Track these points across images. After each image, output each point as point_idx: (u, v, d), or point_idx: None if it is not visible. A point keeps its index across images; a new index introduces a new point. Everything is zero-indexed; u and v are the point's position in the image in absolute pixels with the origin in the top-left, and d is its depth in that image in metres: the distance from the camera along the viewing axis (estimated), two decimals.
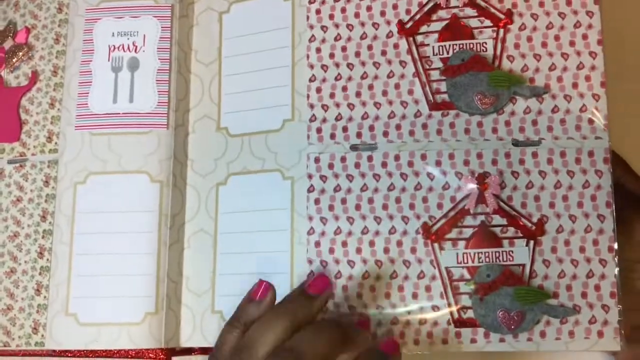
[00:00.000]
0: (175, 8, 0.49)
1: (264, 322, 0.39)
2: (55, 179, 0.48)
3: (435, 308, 0.43)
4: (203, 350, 0.48)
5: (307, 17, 0.48)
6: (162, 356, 0.47)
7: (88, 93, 0.48)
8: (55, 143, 0.48)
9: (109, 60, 0.49)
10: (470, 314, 0.43)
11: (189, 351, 0.48)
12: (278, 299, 0.42)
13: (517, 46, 0.45)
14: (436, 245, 0.44)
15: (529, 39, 0.45)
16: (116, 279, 0.45)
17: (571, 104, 0.44)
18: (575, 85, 0.44)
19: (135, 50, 0.49)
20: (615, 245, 0.42)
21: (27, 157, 0.49)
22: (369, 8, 0.47)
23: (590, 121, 0.44)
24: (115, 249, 0.46)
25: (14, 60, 0.50)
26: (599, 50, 0.44)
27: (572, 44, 0.45)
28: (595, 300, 0.42)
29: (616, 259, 0.42)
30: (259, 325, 0.39)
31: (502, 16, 0.45)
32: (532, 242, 0.43)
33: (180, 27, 0.50)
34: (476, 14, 0.46)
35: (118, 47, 0.49)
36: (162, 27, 0.49)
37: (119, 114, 0.48)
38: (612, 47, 0.45)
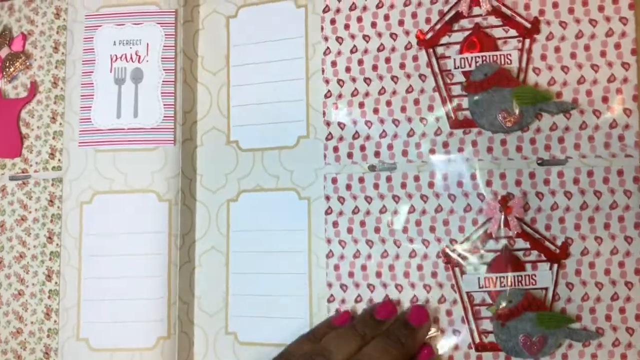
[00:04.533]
0: (179, 13, 0.46)
1: (340, 335, 0.41)
2: (60, 199, 0.46)
3: (456, 332, 0.42)
4: None
5: (322, 28, 0.45)
6: None
7: (91, 107, 0.46)
8: (59, 160, 0.46)
9: (111, 71, 0.46)
10: (491, 337, 0.42)
11: None
12: (299, 324, 0.43)
13: (544, 57, 0.42)
14: (457, 269, 0.42)
15: (557, 50, 0.42)
16: (127, 304, 0.44)
17: (600, 120, 0.42)
18: (605, 100, 0.42)
19: (139, 61, 0.46)
20: None
21: (29, 174, 0.47)
22: (386, 17, 0.44)
23: (621, 138, 0.41)
24: (125, 272, 0.44)
25: (11, 69, 0.47)
26: (632, 60, 0.42)
27: (603, 54, 0.42)
28: (620, 323, 0.41)
29: None
30: (336, 336, 0.41)
31: (528, 25, 0.43)
32: (555, 266, 0.42)
33: (185, 32, 0.47)
34: (500, 23, 0.43)
35: (120, 57, 0.46)
36: (166, 35, 0.46)
37: (124, 129, 0.46)
38: None
